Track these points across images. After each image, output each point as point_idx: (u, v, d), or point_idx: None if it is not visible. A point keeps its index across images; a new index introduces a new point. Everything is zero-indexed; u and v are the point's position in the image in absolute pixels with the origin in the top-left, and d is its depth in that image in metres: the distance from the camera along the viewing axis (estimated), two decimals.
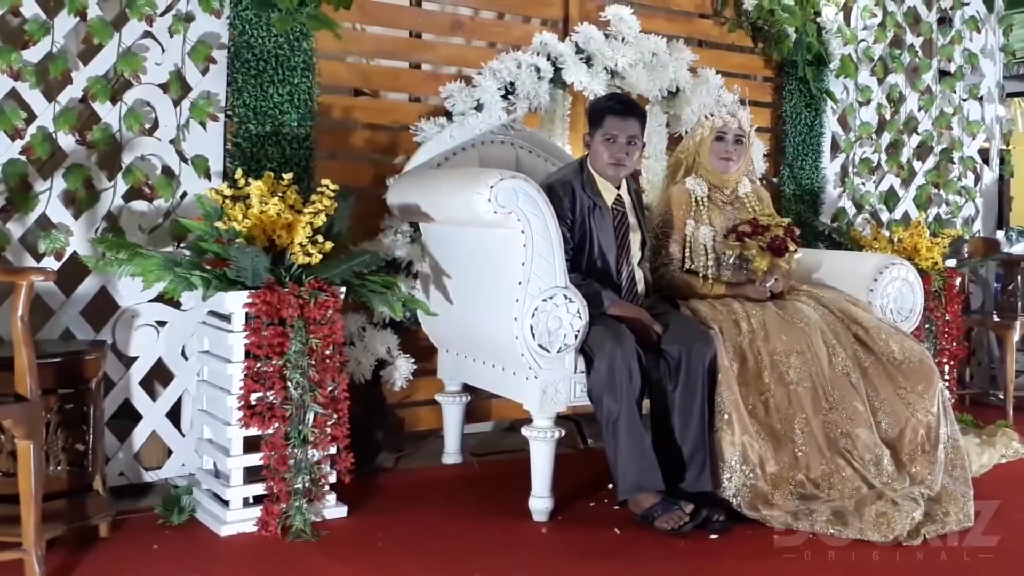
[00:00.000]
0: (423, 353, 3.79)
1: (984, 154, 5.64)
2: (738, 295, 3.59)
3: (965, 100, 5.49)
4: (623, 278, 3.46)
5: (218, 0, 3.38)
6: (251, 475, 3.01)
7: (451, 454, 3.81)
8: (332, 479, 3.10)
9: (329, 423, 2.99)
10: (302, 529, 2.94)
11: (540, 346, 3.05)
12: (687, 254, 3.69)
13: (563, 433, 3.20)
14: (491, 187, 3.02)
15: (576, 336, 3.09)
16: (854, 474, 3.23)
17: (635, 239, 3.52)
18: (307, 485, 2.99)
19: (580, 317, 3.08)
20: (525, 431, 3.17)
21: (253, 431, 2.94)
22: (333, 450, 3.05)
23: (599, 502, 3.35)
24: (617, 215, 3.48)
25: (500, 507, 3.26)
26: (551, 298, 3.05)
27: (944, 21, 5.44)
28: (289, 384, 2.92)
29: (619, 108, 3.47)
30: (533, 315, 3.03)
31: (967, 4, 5.48)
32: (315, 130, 3.58)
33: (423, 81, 4.05)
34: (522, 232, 3.05)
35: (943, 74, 5.44)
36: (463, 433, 3.85)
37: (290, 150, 3.49)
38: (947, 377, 4.50)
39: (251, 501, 3.02)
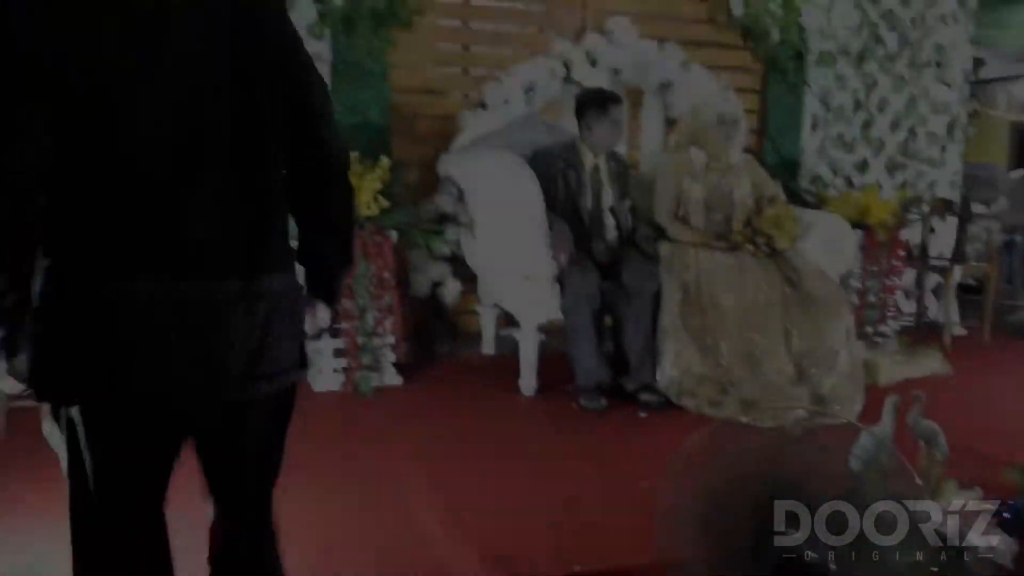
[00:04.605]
0: (473, 278, 5.07)
1: (950, 127, 6.47)
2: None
3: (935, 83, 6.28)
4: (590, 220, 4.55)
5: (318, 28, 4.77)
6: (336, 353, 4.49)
7: (487, 345, 5.16)
8: (393, 359, 4.53)
9: (385, 322, 4.47)
10: (367, 390, 4.41)
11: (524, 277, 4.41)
12: (680, 208, 4.73)
13: (544, 338, 4.51)
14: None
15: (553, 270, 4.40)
16: (762, 383, 4.12)
17: (608, 196, 4.60)
18: (371, 362, 4.47)
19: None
20: (515, 333, 4.55)
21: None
22: (391, 340, 4.51)
23: (567, 388, 4.36)
24: (593, 178, 4.60)
25: (508, 384, 4.48)
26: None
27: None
28: (356, 296, 4.39)
29: (600, 97, 4.52)
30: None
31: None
32: (391, 120, 4.95)
33: (468, 81, 5.31)
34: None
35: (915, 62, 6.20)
36: (498, 334, 5.18)
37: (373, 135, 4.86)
38: (891, 307, 5.65)
39: (337, 370, 4.50)
